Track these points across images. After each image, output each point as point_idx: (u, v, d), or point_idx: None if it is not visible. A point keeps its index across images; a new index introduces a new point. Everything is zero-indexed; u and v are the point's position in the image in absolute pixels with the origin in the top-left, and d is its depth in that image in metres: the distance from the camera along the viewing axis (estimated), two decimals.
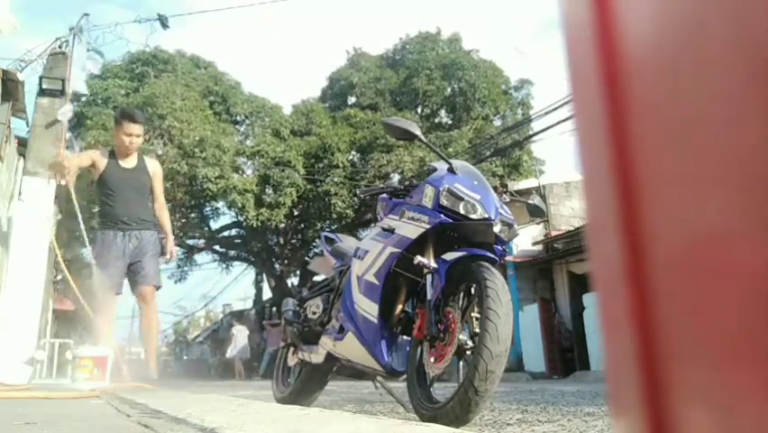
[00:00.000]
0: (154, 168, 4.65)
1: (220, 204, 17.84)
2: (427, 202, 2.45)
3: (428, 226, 2.39)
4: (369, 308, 2.59)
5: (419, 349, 2.38)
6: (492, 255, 2.38)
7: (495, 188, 2.67)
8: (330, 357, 2.98)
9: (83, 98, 14.39)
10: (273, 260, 20.24)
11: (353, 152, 17.58)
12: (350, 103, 19.62)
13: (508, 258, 11.35)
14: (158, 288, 4.49)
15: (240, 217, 17.47)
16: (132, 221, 4.31)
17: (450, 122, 18.66)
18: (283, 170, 15.96)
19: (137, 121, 4.49)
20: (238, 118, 18.44)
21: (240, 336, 18.86)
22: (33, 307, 8.72)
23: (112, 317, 4.39)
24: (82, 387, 4.67)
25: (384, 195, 2.93)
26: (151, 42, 19.80)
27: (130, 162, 4.45)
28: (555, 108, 11.64)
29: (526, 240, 12.37)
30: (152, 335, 4.51)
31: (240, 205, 15.82)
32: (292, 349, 3.46)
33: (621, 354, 0.35)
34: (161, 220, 4.69)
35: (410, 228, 2.47)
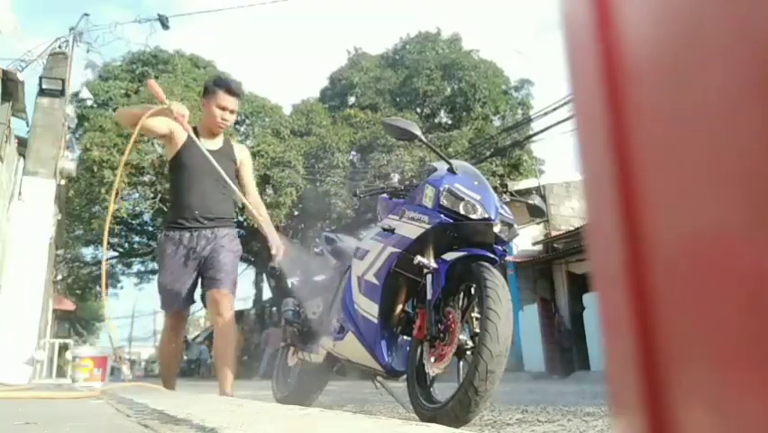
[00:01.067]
0: (242, 154, 3.75)
1: None
2: (427, 202, 2.45)
3: (428, 226, 2.39)
4: (369, 308, 2.59)
5: (419, 349, 2.38)
6: (492, 255, 2.38)
7: (495, 188, 2.68)
8: (330, 357, 2.98)
9: (88, 102, 14.33)
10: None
11: (353, 152, 17.58)
12: (350, 103, 19.63)
13: (508, 258, 11.35)
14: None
15: (240, 217, 17.47)
16: (205, 218, 3.44)
17: (450, 122, 18.66)
18: (283, 171, 15.96)
19: (234, 93, 3.59)
20: (238, 118, 18.46)
21: None
22: (33, 307, 8.75)
23: (178, 343, 3.57)
24: (81, 387, 4.48)
25: (384, 195, 2.93)
26: (151, 42, 19.82)
27: (215, 144, 3.57)
28: (555, 108, 11.64)
29: (526, 240, 12.38)
30: (228, 353, 3.38)
31: (240, 205, 15.77)
32: (292, 349, 3.46)
33: (621, 354, 0.35)
34: (257, 210, 3.75)
35: (410, 228, 2.47)
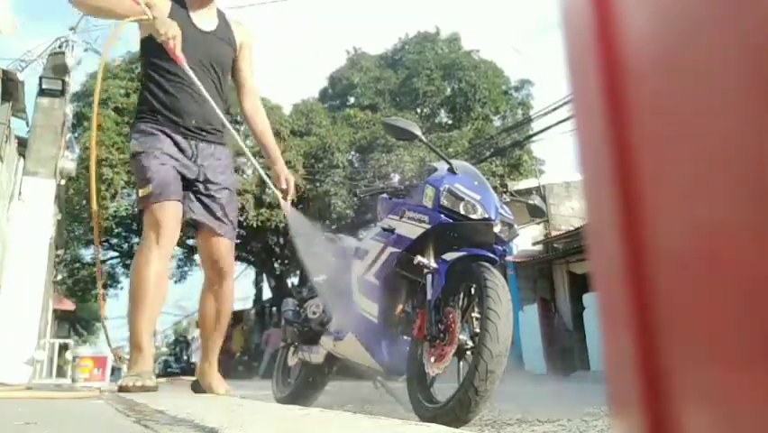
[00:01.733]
0: (243, 36, 2.77)
1: None
2: (427, 202, 2.46)
3: (428, 226, 2.40)
4: (369, 308, 2.59)
5: (419, 349, 2.38)
6: (492, 255, 2.38)
7: (495, 188, 2.67)
8: (330, 357, 2.98)
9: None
10: (273, 260, 20.24)
11: (353, 152, 17.59)
12: (350, 103, 19.65)
13: (508, 258, 11.36)
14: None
15: (240, 218, 17.48)
16: (201, 129, 2.59)
17: (450, 122, 18.68)
18: None
19: None
20: (238, 118, 18.45)
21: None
22: (33, 307, 8.76)
23: (166, 270, 2.55)
24: (82, 387, 4.45)
25: (384, 195, 2.93)
26: None
27: (208, 22, 2.66)
28: (555, 108, 11.65)
29: (526, 240, 12.38)
30: (223, 326, 2.70)
31: (239, 205, 15.78)
32: (292, 349, 3.46)
33: (621, 354, 0.35)
34: (253, 121, 2.84)
35: (410, 228, 2.47)
